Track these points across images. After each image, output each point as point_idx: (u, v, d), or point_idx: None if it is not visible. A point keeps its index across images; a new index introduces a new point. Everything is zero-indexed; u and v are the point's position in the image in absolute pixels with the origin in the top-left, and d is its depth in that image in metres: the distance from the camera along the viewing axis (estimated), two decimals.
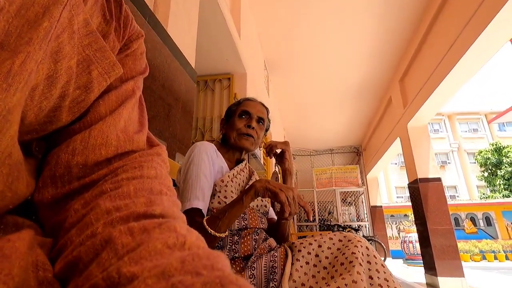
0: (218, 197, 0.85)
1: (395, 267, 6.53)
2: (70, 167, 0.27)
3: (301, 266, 0.72)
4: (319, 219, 7.82)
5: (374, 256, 0.70)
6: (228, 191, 0.86)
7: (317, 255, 0.75)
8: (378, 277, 0.65)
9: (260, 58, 4.17)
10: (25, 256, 0.18)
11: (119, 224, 0.22)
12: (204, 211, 0.78)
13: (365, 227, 7.66)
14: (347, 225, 7.07)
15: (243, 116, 1.01)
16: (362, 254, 0.69)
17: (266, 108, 1.08)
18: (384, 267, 0.69)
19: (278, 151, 1.07)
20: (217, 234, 0.71)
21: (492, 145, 13.72)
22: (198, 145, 0.88)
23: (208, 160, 0.86)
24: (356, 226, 7.42)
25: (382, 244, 6.34)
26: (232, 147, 1.00)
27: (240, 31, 2.96)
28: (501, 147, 13.33)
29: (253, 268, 0.73)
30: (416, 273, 5.10)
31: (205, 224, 0.71)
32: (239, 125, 0.99)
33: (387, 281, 0.65)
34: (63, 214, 0.25)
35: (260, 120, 1.03)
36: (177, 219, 0.25)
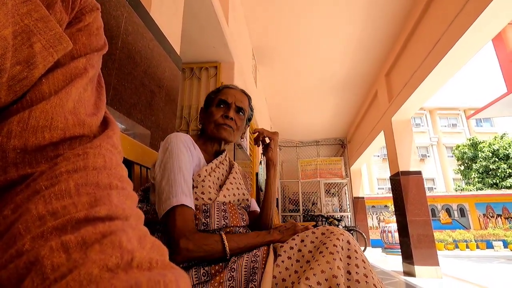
0: (195, 193, 0.78)
1: (375, 256, 6.77)
2: (6, 152, 0.22)
3: (282, 261, 0.70)
4: (303, 209, 7.97)
5: (355, 251, 0.68)
6: (205, 186, 0.80)
7: (299, 250, 0.72)
8: (356, 272, 0.63)
9: (248, 47, 4.09)
10: None
11: (52, 237, 0.18)
12: (193, 208, 0.73)
13: (347, 217, 7.88)
14: (330, 216, 7.25)
15: (221, 106, 0.93)
16: (342, 249, 0.68)
17: (248, 96, 1.00)
18: (364, 262, 0.67)
19: (267, 139, 1.02)
20: (228, 252, 0.71)
21: (469, 140, 14.33)
22: (173, 137, 0.80)
23: (187, 151, 0.80)
24: (339, 216, 7.63)
25: (363, 234, 6.55)
26: (210, 138, 0.93)
27: (228, 18, 2.87)
28: (477, 142, 13.95)
29: (232, 270, 0.68)
30: (394, 262, 5.32)
31: (225, 239, 0.71)
32: (217, 115, 0.92)
33: (366, 276, 0.63)
34: None
35: (239, 109, 0.95)
36: (129, 218, 0.21)
